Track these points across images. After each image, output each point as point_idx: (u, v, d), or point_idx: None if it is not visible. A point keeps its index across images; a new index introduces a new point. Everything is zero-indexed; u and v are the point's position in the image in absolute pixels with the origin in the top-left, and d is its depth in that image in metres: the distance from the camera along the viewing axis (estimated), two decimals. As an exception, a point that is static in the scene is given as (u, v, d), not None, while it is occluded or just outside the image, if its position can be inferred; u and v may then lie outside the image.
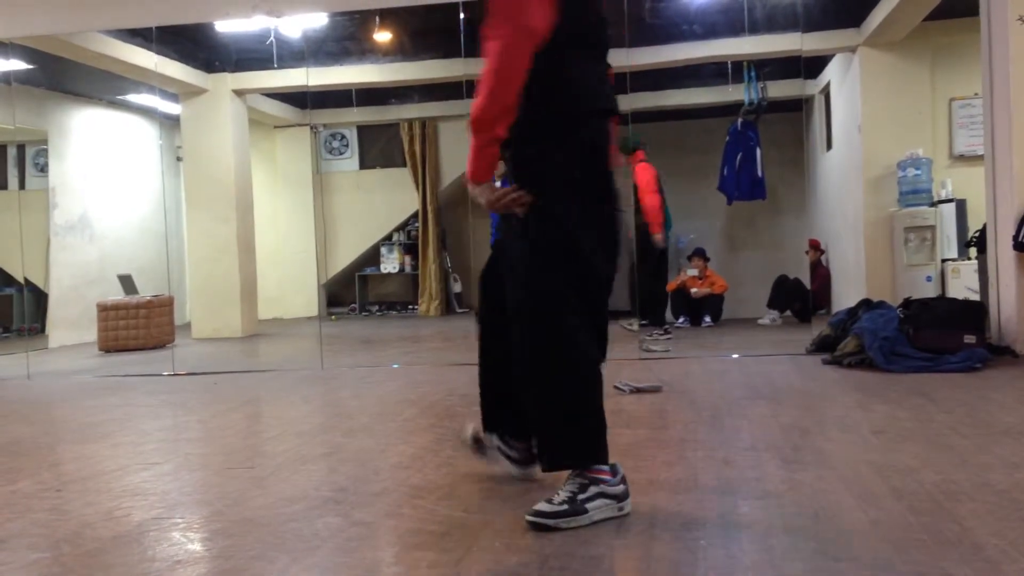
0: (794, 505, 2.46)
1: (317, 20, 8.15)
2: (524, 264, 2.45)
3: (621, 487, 2.41)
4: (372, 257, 12.07)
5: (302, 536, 2.35)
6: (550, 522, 2.31)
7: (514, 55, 2.30)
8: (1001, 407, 3.93)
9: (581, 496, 2.34)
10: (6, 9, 7.00)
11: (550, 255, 2.42)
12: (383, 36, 8.69)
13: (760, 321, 9.21)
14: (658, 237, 7.90)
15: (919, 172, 7.84)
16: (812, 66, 9.58)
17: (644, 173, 7.98)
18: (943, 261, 7.79)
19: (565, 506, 2.33)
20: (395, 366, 6.47)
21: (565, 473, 2.44)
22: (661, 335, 7.05)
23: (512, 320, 2.49)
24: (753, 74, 9.27)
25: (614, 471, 2.42)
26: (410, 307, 11.90)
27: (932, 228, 7.81)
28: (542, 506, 2.35)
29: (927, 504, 2.41)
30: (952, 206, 7.82)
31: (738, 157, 9.56)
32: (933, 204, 7.89)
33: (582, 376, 2.41)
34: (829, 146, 9.83)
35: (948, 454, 2.99)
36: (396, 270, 11.99)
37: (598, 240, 2.47)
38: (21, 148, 9.61)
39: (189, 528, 2.52)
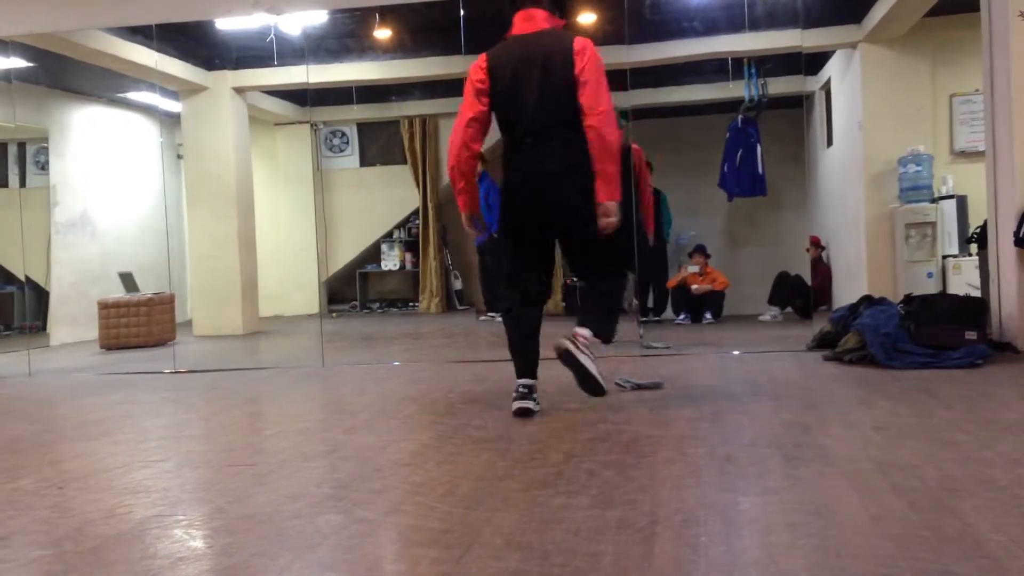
0: (795, 501, 2.46)
1: (317, 17, 8.14)
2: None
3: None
4: (373, 254, 12.07)
5: (304, 533, 2.36)
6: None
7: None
8: (1003, 403, 3.93)
9: None
10: (7, 7, 6.99)
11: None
12: (383, 33, 8.68)
13: (761, 317, 9.21)
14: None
15: (920, 168, 7.84)
16: (813, 62, 9.57)
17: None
18: (944, 257, 7.79)
19: None
20: (396, 363, 6.47)
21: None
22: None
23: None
24: (753, 70, 9.26)
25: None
26: (411, 304, 11.90)
27: (933, 224, 7.81)
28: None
29: (928, 500, 2.41)
30: (953, 202, 7.81)
31: (739, 154, 9.55)
32: (934, 200, 7.89)
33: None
34: (830, 142, 9.82)
35: (949, 450, 2.99)
36: (397, 267, 11.99)
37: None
38: (22, 146, 9.61)
39: (191, 525, 2.52)
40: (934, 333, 5.15)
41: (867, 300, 6.02)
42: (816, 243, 9.69)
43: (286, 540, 2.30)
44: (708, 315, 9.21)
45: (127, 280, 9.08)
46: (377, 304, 12.13)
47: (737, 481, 2.73)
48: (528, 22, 4.00)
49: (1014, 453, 2.92)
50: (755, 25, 8.00)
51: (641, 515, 2.38)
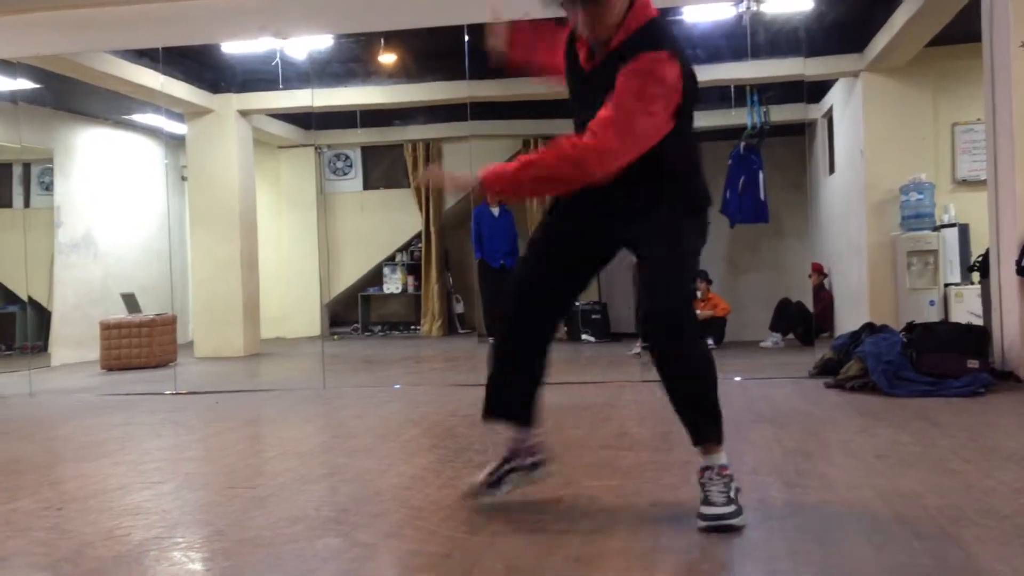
0: (798, 530, 2.45)
1: (322, 42, 8.19)
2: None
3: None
4: (375, 277, 12.07)
5: (303, 557, 2.34)
6: None
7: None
8: (1004, 432, 3.91)
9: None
10: (14, 29, 7.04)
11: None
12: (388, 58, 8.74)
13: (762, 344, 9.19)
14: None
15: (922, 196, 7.85)
16: (815, 91, 9.61)
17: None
18: (946, 285, 7.78)
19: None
20: (397, 386, 6.46)
21: None
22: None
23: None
24: (756, 98, 9.30)
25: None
26: (412, 327, 11.90)
27: (935, 252, 7.81)
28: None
29: (931, 529, 2.40)
30: (955, 231, 7.82)
31: (741, 180, 9.57)
32: (936, 228, 7.90)
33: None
34: (832, 170, 9.85)
35: (952, 479, 2.98)
36: (399, 290, 11.99)
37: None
38: (27, 167, 9.65)
39: (190, 548, 2.51)
40: (936, 361, 5.14)
41: (869, 327, 6.01)
42: (818, 270, 9.69)
43: (285, 564, 2.29)
44: (709, 341, 9.18)
45: (129, 301, 9.08)
46: (378, 327, 12.12)
47: (739, 508, 2.71)
48: None
49: (1016, 482, 2.91)
50: (757, 54, 8.04)
51: (642, 542, 2.37)
